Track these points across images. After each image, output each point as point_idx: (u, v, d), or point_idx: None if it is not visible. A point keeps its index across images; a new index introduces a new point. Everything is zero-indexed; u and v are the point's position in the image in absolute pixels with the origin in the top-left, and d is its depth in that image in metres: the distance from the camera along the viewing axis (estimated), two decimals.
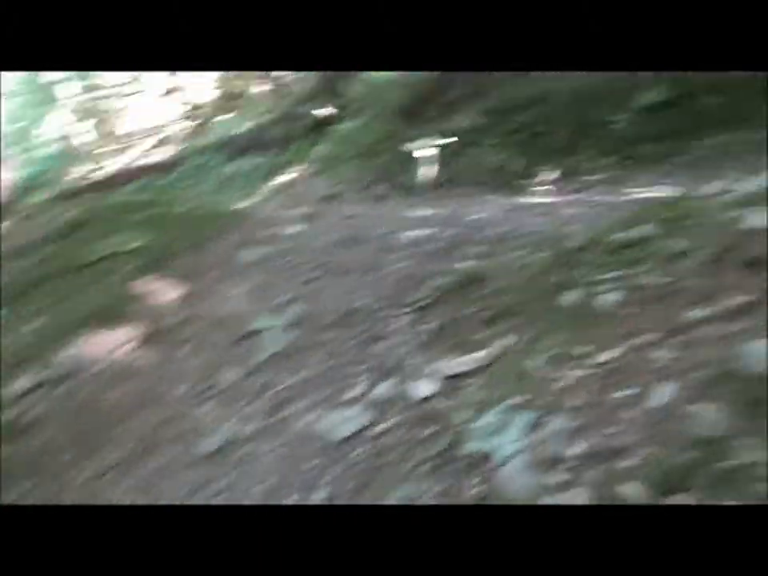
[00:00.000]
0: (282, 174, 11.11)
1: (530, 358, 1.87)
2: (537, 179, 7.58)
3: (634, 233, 1.96)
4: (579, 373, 1.66)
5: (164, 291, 3.20)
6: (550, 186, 6.91)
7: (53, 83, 16.41)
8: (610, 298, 1.80)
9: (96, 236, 4.08)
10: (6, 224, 7.71)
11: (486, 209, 4.35)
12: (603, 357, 1.65)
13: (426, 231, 3.62)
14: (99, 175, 16.18)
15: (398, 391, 2.18)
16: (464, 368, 2.08)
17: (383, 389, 2.21)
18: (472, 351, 2.17)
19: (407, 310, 2.66)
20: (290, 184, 10.81)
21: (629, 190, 5.63)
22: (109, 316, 3.01)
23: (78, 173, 16.45)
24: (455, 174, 8.76)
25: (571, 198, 4.64)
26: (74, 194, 15.68)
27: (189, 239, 3.81)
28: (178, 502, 2.06)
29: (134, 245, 3.69)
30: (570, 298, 1.95)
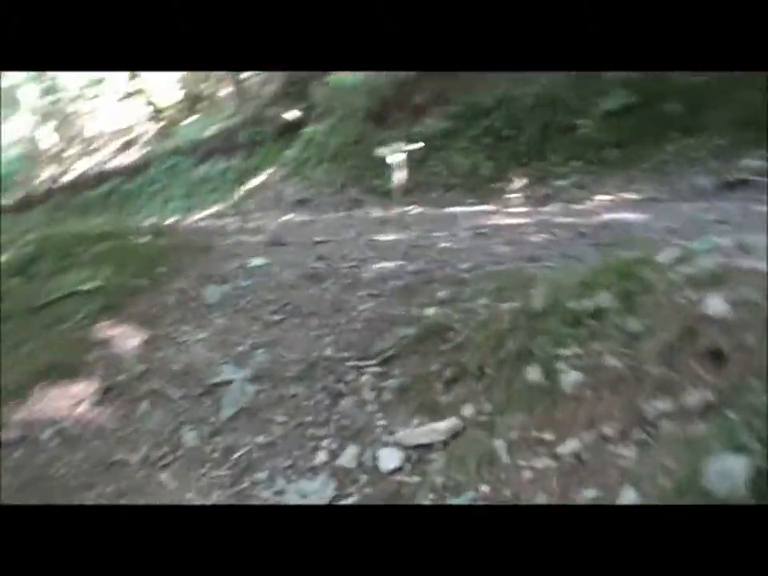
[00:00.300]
0: (252, 177, 10.93)
1: (491, 437, 1.82)
2: (505, 185, 7.57)
3: (591, 303, 1.91)
4: (540, 464, 1.62)
5: (123, 338, 3.09)
6: (519, 194, 6.90)
7: (14, 86, 15.91)
8: (570, 378, 1.76)
9: (53, 271, 3.93)
10: None
11: (453, 232, 4.29)
12: (564, 448, 1.61)
13: (391, 264, 3.55)
14: (66, 179, 15.79)
15: (361, 460, 2.12)
16: (426, 439, 2.03)
17: (347, 457, 2.15)
18: (435, 416, 2.13)
19: (371, 362, 2.59)
20: (260, 188, 10.64)
21: (595, 203, 5.63)
22: (66, 367, 2.90)
23: (43, 177, 16.02)
24: (425, 178, 8.71)
25: (536, 218, 4.60)
26: (39, 199, 15.31)
27: (149, 275, 3.68)
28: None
29: (92, 284, 3.56)
30: (530, 371, 1.90)
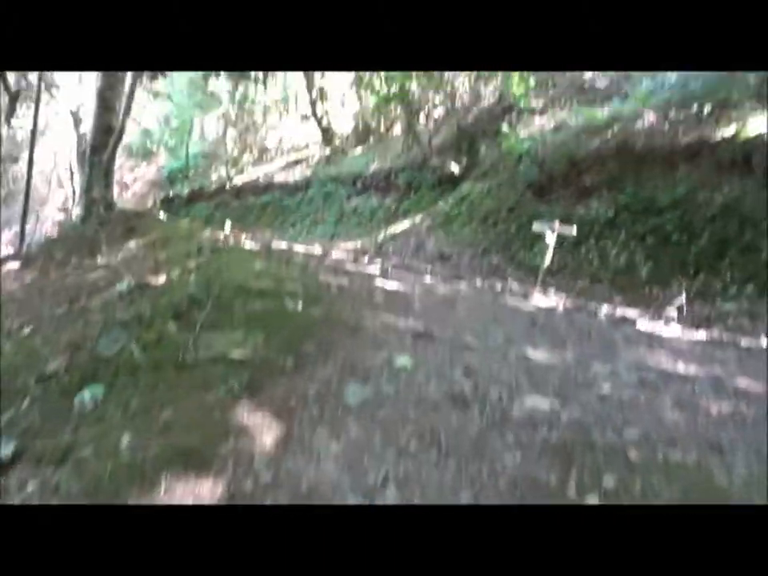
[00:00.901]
0: (399, 221, 10.85)
1: None
2: (660, 293, 6.86)
3: None
4: None
5: (258, 430, 2.91)
6: (675, 315, 6.19)
7: (221, 90, 17.08)
8: None
9: (209, 323, 3.88)
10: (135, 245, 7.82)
11: (613, 368, 3.79)
12: None
13: (545, 405, 3.14)
14: (235, 183, 16.66)
15: None
16: None
17: None
18: None
19: None
20: (404, 234, 10.52)
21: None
22: (199, 456, 2.74)
23: (216, 176, 17.02)
24: (574, 263, 8.15)
25: (707, 368, 3.98)
26: (208, 195, 16.25)
27: (295, 352, 3.52)
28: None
29: (241, 353, 3.44)
30: None
